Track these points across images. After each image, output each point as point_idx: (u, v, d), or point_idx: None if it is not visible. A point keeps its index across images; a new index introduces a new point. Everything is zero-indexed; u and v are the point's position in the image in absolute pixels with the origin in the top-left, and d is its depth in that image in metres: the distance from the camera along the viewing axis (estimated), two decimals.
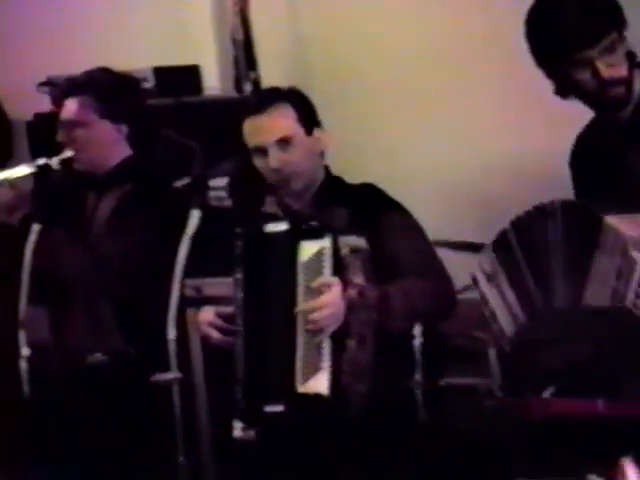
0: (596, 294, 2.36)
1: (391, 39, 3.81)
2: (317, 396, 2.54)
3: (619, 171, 2.56)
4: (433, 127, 3.73)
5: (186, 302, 2.85)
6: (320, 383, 2.55)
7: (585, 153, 2.73)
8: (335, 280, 2.57)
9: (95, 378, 3.01)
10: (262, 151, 2.78)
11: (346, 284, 2.57)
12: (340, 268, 2.59)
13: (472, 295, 3.11)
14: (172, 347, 2.63)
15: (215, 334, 2.70)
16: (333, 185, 2.86)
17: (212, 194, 2.84)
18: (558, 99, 2.62)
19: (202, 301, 2.99)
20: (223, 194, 2.89)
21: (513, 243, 2.48)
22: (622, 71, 2.56)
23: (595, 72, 2.54)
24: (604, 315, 2.37)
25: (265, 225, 2.66)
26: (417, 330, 2.82)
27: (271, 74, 3.85)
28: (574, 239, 2.41)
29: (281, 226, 2.65)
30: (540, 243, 2.45)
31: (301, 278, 2.60)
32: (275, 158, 2.76)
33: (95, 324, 3.08)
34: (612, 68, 2.54)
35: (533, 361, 2.49)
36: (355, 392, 2.60)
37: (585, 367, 2.41)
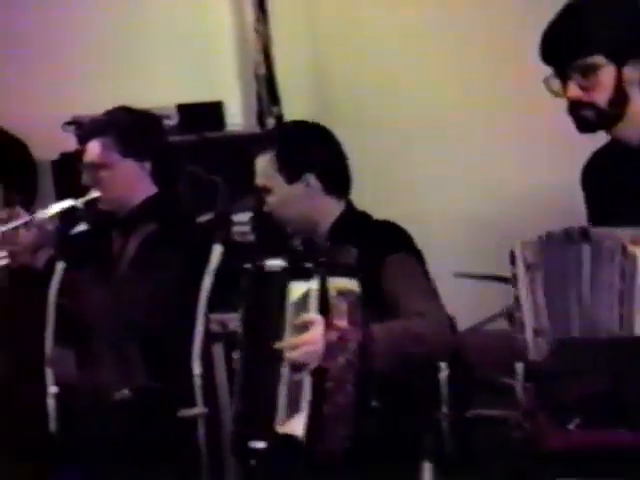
0: (604, 304, 2.36)
1: (412, 75, 3.83)
2: (293, 437, 2.54)
3: (632, 196, 2.55)
4: (453, 161, 3.74)
5: (212, 337, 2.87)
6: (296, 424, 2.54)
7: (597, 171, 2.70)
8: (318, 318, 2.57)
9: (122, 414, 3.03)
10: None
11: (329, 326, 2.57)
12: (326, 310, 2.58)
13: (498, 326, 3.12)
14: (198, 382, 2.64)
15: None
16: (352, 220, 2.87)
17: (235, 229, 2.86)
18: (575, 130, 2.62)
19: (227, 336, 3.00)
20: (246, 229, 2.91)
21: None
22: (594, 97, 2.53)
23: (564, 88, 2.54)
24: (624, 346, 2.36)
25: (265, 262, 2.67)
26: (443, 362, 2.81)
27: (293, 109, 3.88)
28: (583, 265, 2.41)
29: (277, 264, 2.65)
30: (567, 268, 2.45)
31: (288, 317, 2.60)
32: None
33: (121, 361, 3.09)
34: (583, 91, 2.53)
35: (559, 392, 2.48)
36: (334, 436, 2.59)
37: (610, 398, 2.40)
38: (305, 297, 2.59)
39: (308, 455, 2.57)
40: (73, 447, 2.93)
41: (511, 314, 2.52)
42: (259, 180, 2.87)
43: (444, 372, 2.79)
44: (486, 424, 2.92)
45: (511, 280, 2.49)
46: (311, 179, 2.83)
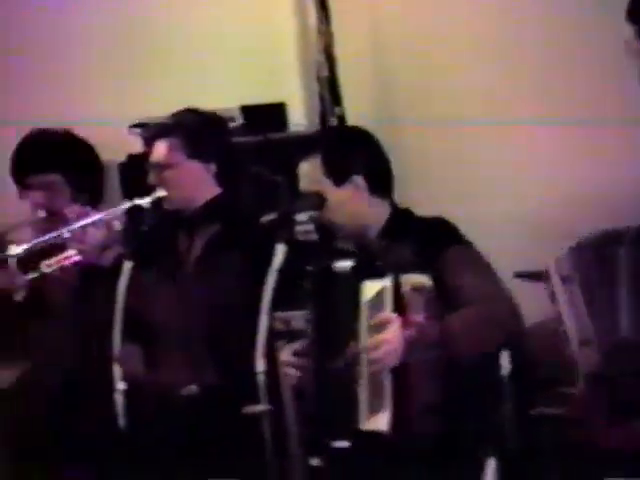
0: None
1: (475, 73, 3.82)
2: (378, 433, 2.57)
3: None
4: (518, 158, 3.73)
5: (276, 335, 2.90)
6: (381, 421, 2.57)
7: None
8: (394, 316, 2.59)
9: (188, 410, 3.07)
10: None
11: (406, 322, 2.59)
12: (401, 306, 2.62)
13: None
14: (261, 379, 2.67)
15: (293, 373, 2.76)
16: (400, 219, 2.89)
17: (298, 228, 2.89)
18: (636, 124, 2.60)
19: (291, 334, 3.03)
20: (309, 228, 2.94)
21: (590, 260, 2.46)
22: None
23: None
24: None
25: (332, 263, 2.70)
26: (505, 359, 2.82)
27: (356, 109, 3.89)
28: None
29: (346, 264, 2.68)
30: (610, 270, 2.43)
31: (363, 316, 2.63)
32: None
33: (187, 358, 3.13)
34: None
35: (621, 391, 2.47)
36: (419, 429, 2.61)
37: None
38: (379, 295, 2.62)
39: (393, 451, 2.60)
40: (140, 443, 2.98)
41: (555, 329, 2.53)
42: (306, 185, 2.90)
43: (507, 368, 2.80)
44: (549, 422, 2.91)
45: (549, 297, 2.50)
46: (358, 180, 2.86)
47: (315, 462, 2.67)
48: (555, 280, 2.52)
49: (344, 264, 2.69)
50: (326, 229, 2.90)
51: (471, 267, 2.74)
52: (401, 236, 2.81)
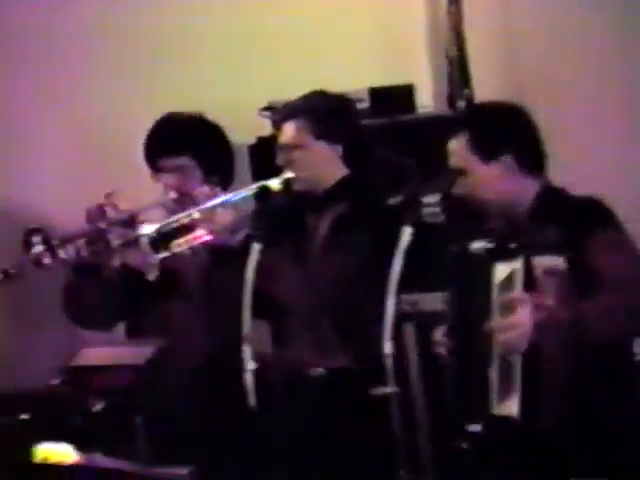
0: None
1: (598, 53, 3.76)
2: (508, 418, 2.55)
3: None
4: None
5: (403, 317, 2.90)
6: (511, 405, 2.56)
7: None
8: (525, 296, 2.56)
9: (318, 392, 3.09)
10: None
11: (536, 305, 2.56)
12: (532, 289, 2.58)
13: None
14: (389, 361, 2.68)
15: (443, 352, 2.78)
16: (550, 198, 2.85)
17: (425, 210, 2.89)
18: None
19: (418, 316, 3.03)
20: (436, 210, 2.94)
21: None
22: None
23: None
24: None
25: (471, 244, 2.69)
26: (638, 346, 2.77)
27: (485, 91, 3.86)
28: None
29: (482, 246, 2.68)
30: None
31: (494, 299, 2.62)
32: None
33: (316, 339, 3.16)
34: None
35: None
36: (549, 415, 2.58)
37: None
38: (510, 277, 2.60)
39: (521, 436, 2.59)
40: (270, 424, 3.02)
41: None
42: (454, 162, 2.88)
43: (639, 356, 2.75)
44: None
45: None
46: (507, 158, 2.83)
47: (464, 445, 2.67)
48: None
49: (480, 245, 2.68)
50: (464, 207, 2.89)
51: (615, 253, 2.68)
52: (549, 214, 2.77)
